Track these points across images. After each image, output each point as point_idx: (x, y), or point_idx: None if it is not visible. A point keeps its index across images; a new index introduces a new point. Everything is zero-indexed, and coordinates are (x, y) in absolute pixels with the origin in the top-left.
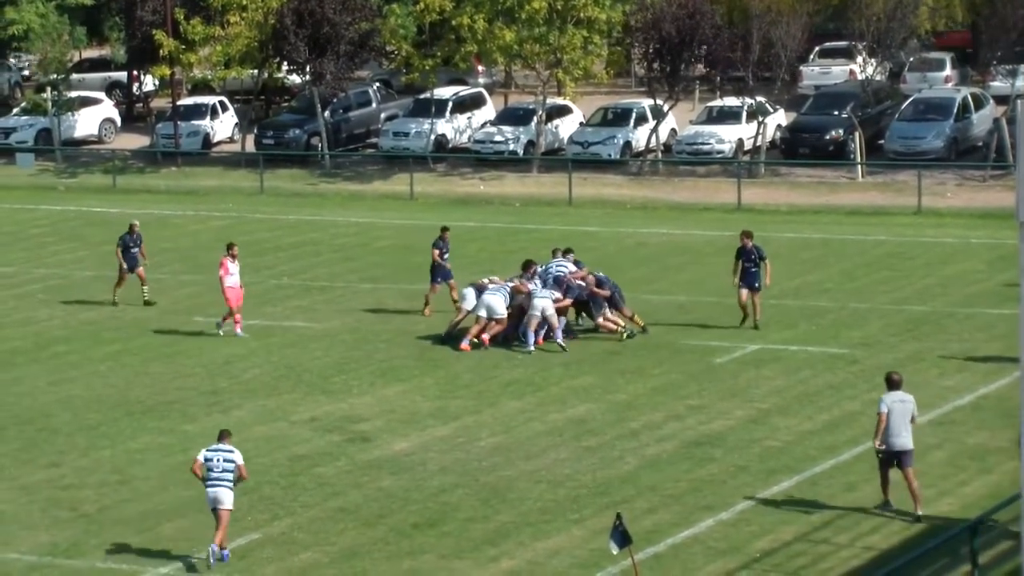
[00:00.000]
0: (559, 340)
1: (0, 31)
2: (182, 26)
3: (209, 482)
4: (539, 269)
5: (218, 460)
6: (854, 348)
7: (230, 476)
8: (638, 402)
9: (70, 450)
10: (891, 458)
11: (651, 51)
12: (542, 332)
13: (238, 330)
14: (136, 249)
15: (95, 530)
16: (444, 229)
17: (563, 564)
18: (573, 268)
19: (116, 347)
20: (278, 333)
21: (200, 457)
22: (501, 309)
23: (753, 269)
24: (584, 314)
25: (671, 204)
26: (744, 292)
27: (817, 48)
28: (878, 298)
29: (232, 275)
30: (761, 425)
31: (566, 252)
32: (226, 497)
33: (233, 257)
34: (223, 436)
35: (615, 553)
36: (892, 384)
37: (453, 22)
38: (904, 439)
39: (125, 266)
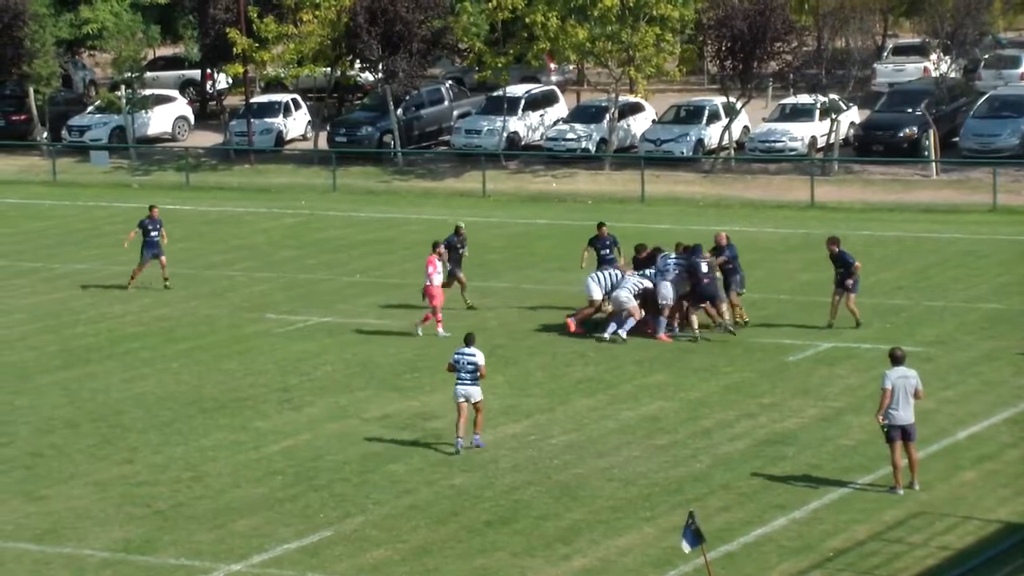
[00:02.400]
0: (621, 332)
1: (75, 30)
2: (255, 24)
3: (459, 381)
4: (659, 262)
5: (463, 362)
6: (928, 346)
7: (473, 375)
8: (710, 400)
9: (143, 447)
10: (896, 433)
11: (723, 48)
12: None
13: (440, 330)
14: (156, 233)
15: (168, 527)
16: (458, 227)
17: (635, 562)
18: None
19: (189, 344)
20: (351, 330)
21: (452, 360)
22: (670, 294)
23: (845, 274)
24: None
25: (744, 201)
26: (838, 293)
27: (891, 45)
28: (953, 296)
29: (439, 274)
30: (834, 424)
31: (691, 249)
32: (475, 392)
33: (440, 256)
34: (469, 340)
35: (687, 551)
36: (895, 360)
37: (526, 20)
38: (907, 413)
39: (127, 245)
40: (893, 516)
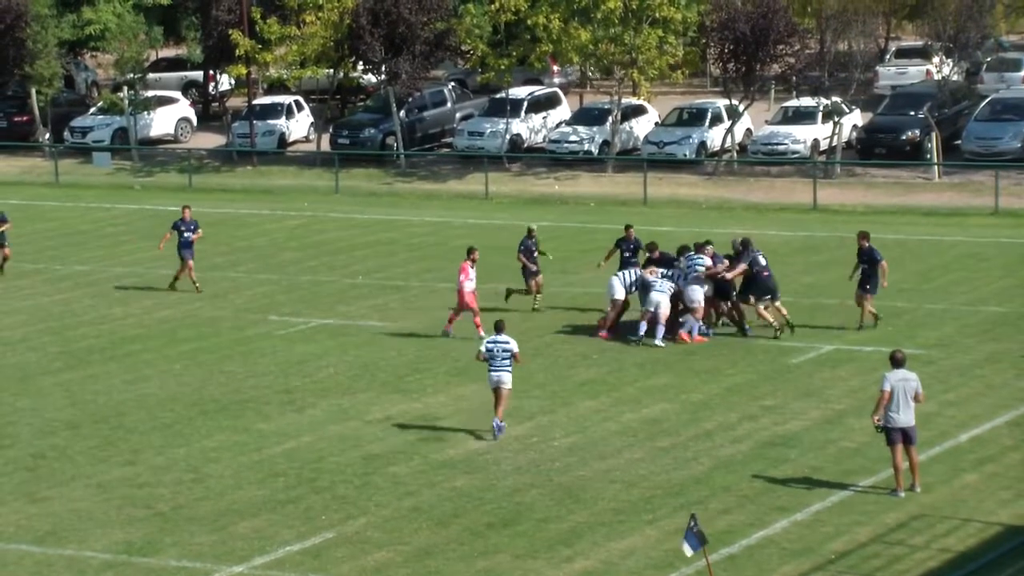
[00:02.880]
0: (659, 341)
1: (77, 31)
2: (258, 25)
3: (492, 368)
4: (683, 263)
5: (498, 349)
6: (930, 349)
7: (508, 362)
8: (712, 402)
9: (145, 448)
10: (897, 436)
11: (726, 51)
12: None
13: (449, 329)
14: (190, 234)
15: (170, 528)
16: (530, 229)
17: (637, 564)
18: (709, 263)
19: (191, 346)
20: (353, 332)
21: (483, 348)
22: (699, 297)
23: (870, 271)
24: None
25: (746, 204)
26: (860, 294)
27: (894, 48)
28: (955, 299)
29: (471, 280)
30: (836, 426)
31: (703, 246)
32: (507, 378)
33: (473, 262)
34: (500, 328)
35: (689, 554)
36: (896, 363)
37: (528, 22)
38: (907, 416)
39: (163, 248)
40: (894, 518)
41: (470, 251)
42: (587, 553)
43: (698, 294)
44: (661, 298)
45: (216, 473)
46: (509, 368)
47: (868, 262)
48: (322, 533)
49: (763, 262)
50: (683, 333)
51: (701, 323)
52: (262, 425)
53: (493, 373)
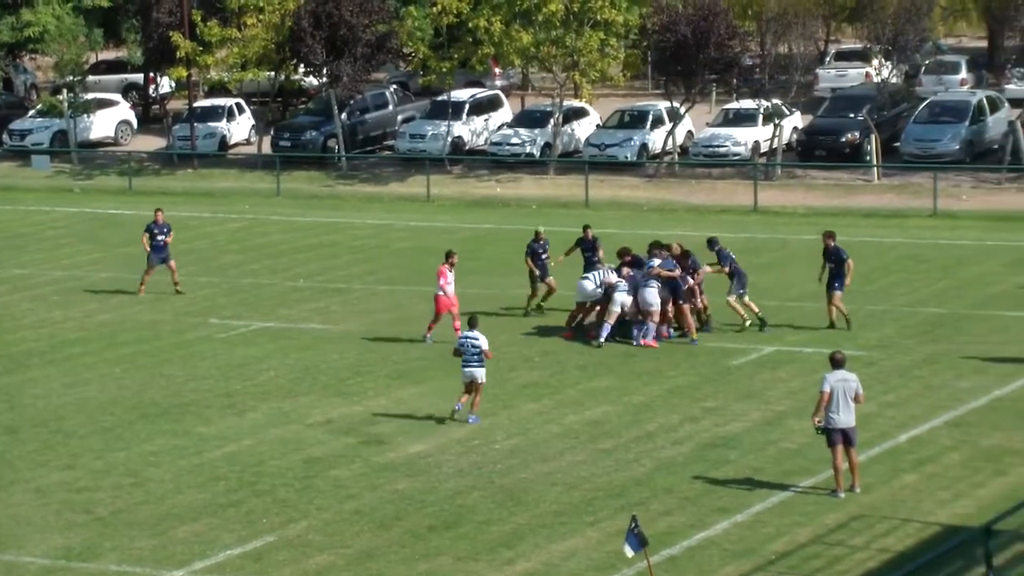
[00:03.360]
0: (650, 340)
1: (16, 33)
2: (199, 28)
3: (464, 363)
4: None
5: (468, 345)
6: (870, 350)
7: (478, 358)
8: (654, 404)
9: (84, 452)
10: (837, 437)
11: (667, 53)
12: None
13: (428, 336)
14: (163, 237)
15: (109, 533)
16: (538, 233)
17: (579, 566)
18: (656, 263)
19: (131, 349)
20: (294, 335)
21: (457, 344)
22: (654, 300)
23: (836, 270)
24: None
25: (688, 206)
26: (829, 294)
27: (833, 51)
28: (894, 300)
29: (451, 283)
30: (776, 427)
31: (660, 248)
32: (479, 373)
33: (452, 266)
34: (472, 324)
35: (630, 556)
36: (835, 364)
37: (470, 24)
38: (847, 417)
39: (148, 249)
40: (834, 519)
41: (448, 255)
42: (528, 555)
43: (653, 297)
44: (625, 299)
45: (156, 477)
46: (480, 363)
47: (835, 261)
48: (263, 537)
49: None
50: (646, 340)
51: (661, 327)
52: (202, 429)
53: (466, 368)
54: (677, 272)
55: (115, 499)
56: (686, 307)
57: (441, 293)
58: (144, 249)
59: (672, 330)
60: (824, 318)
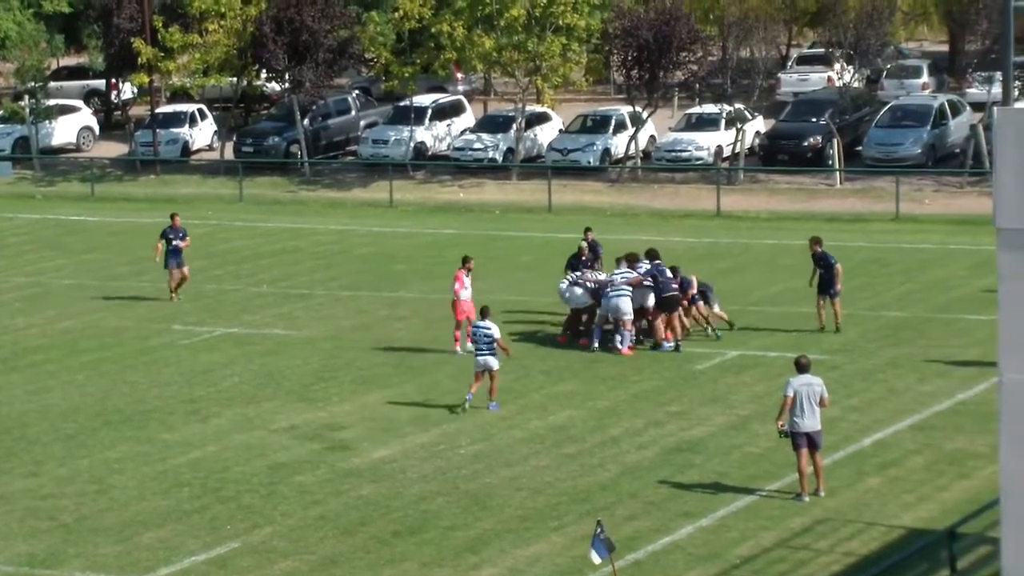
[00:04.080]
0: (623, 347)
1: None
2: (160, 34)
3: (477, 352)
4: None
5: (480, 334)
6: (834, 354)
7: (490, 346)
8: (619, 409)
9: (48, 459)
10: (802, 440)
11: (629, 58)
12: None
13: (458, 348)
14: (179, 241)
15: (73, 539)
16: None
17: (544, 571)
18: (630, 273)
19: (94, 356)
20: (258, 341)
21: (471, 333)
22: (628, 309)
23: (826, 276)
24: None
25: (651, 211)
26: (821, 299)
27: (795, 55)
28: (857, 304)
29: (466, 289)
30: (741, 431)
31: (629, 258)
32: (492, 362)
33: (468, 271)
34: (484, 314)
35: (596, 561)
36: (800, 368)
37: (432, 29)
38: (811, 421)
39: (158, 259)
40: (799, 523)
41: (465, 260)
42: (494, 560)
43: (627, 305)
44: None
45: (120, 484)
46: (492, 352)
47: (824, 267)
48: (227, 543)
49: (669, 274)
50: (622, 349)
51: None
52: (166, 435)
53: (479, 357)
54: (637, 278)
55: (79, 506)
56: (674, 317)
57: (456, 298)
58: (154, 255)
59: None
60: (795, 323)
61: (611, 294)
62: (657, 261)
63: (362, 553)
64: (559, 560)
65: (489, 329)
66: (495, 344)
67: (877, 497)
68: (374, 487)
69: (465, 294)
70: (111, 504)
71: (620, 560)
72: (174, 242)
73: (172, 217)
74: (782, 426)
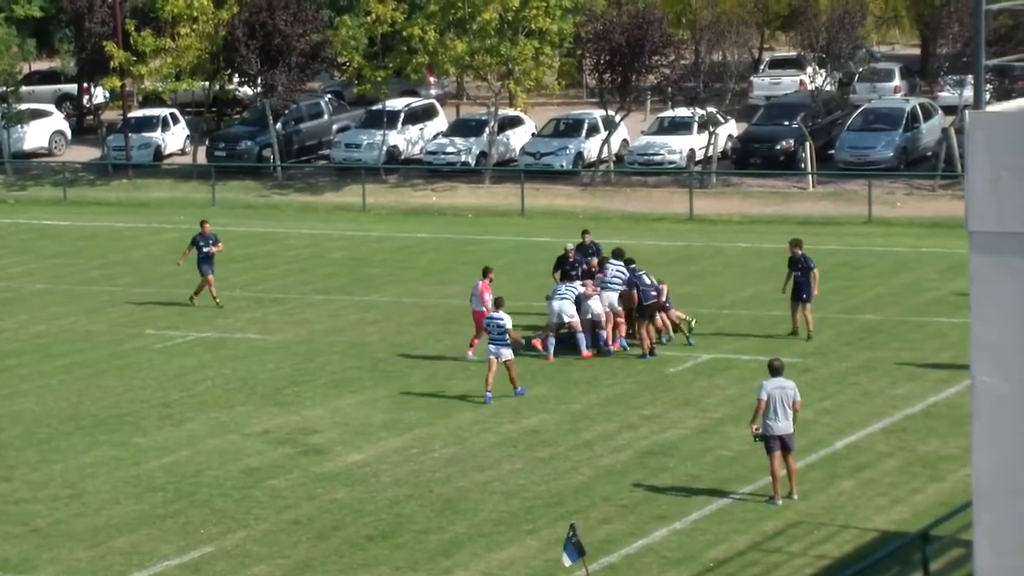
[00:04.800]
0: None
1: None
2: (132, 38)
3: (491, 342)
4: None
5: (493, 325)
6: (806, 357)
7: (502, 337)
8: (592, 412)
9: (21, 464)
10: (775, 444)
11: (602, 62)
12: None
13: (470, 353)
14: (209, 248)
15: (47, 544)
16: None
17: (517, 575)
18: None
19: (67, 360)
20: (230, 345)
21: (484, 324)
22: (571, 311)
23: (802, 279)
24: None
25: (623, 214)
26: (795, 304)
27: (767, 58)
28: (830, 307)
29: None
30: (714, 435)
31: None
32: (505, 352)
33: (490, 281)
34: (498, 305)
35: (569, 564)
36: (773, 371)
37: (404, 33)
38: (784, 424)
39: (182, 264)
40: (772, 526)
41: (487, 271)
42: (467, 564)
43: (570, 308)
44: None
45: (93, 488)
46: (504, 342)
47: (802, 270)
48: (201, 547)
49: (648, 282)
50: (582, 351)
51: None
52: (140, 440)
53: (491, 346)
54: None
55: (52, 511)
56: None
57: (484, 310)
58: (178, 262)
59: (625, 341)
60: (767, 327)
61: (554, 298)
62: (633, 265)
63: (335, 557)
64: (533, 564)
65: (502, 320)
66: (507, 335)
67: (850, 500)
68: (347, 491)
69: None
70: (84, 509)
71: (593, 564)
72: (205, 249)
73: (202, 224)
74: (756, 430)
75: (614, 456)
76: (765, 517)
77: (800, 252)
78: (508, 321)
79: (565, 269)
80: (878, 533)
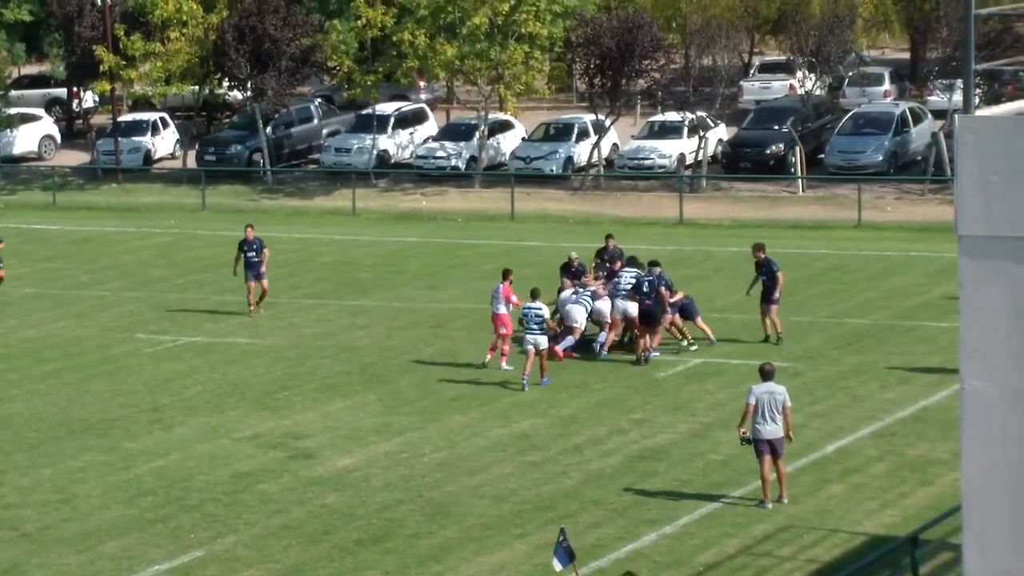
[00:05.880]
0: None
1: None
2: (122, 42)
3: (527, 331)
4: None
5: (532, 315)
6: (796, 361)
7: (540, 327)
8: (582, 416)
9: (10, 469)
10: (764, 448)
11: (592, 66)
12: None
13: (504, 364)
14: (254, 254)
15: (36, 550)
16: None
17: None
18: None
19: (57, 365)
20: (220, 349)
21: (520, 314)
22: (580, 318)
23: (769, 283)
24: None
25: (613, 219)
26: (762, 307)
27: (757, 63)
28: (820, 311)
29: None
30: (704, 439)
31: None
32: (542, 341)
33: (511, 283)
34: (535, 295)
35: (559, 569)
36: (764, 375)
37: (394, 38)
38: (773, 428)
39: (237, 271)
40: (762, 530)
41: (507, 273)
42: (457, 569)
43: (580, 315)
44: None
45: (83, 493)
46: (542, 332)
47: (766, 274)
48: (191, 552)
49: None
50: (557, 349)
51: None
52: (130, 444)
53: (528, 335)
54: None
55: (42, 515)
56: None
57: (504, 312)
58: (233, 268)
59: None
60: (758, 332)
61: (570, 301)
62: (659, 270)
63: (326, 562)
64: (522, 568)
65: (540, 310)
66: (545, 324)
67: (840, 504)
68: (338, 495)
69: (504, 308)
70: (74, 514)
71: (584, 568)
72: (249, 255)
73: (246, 229)
74: (744, 433)
75: (604, 460)
76: (755, 521)
77: (763, 256)
78: (546, 311)
79: (572, 272)
80: (868, 537)
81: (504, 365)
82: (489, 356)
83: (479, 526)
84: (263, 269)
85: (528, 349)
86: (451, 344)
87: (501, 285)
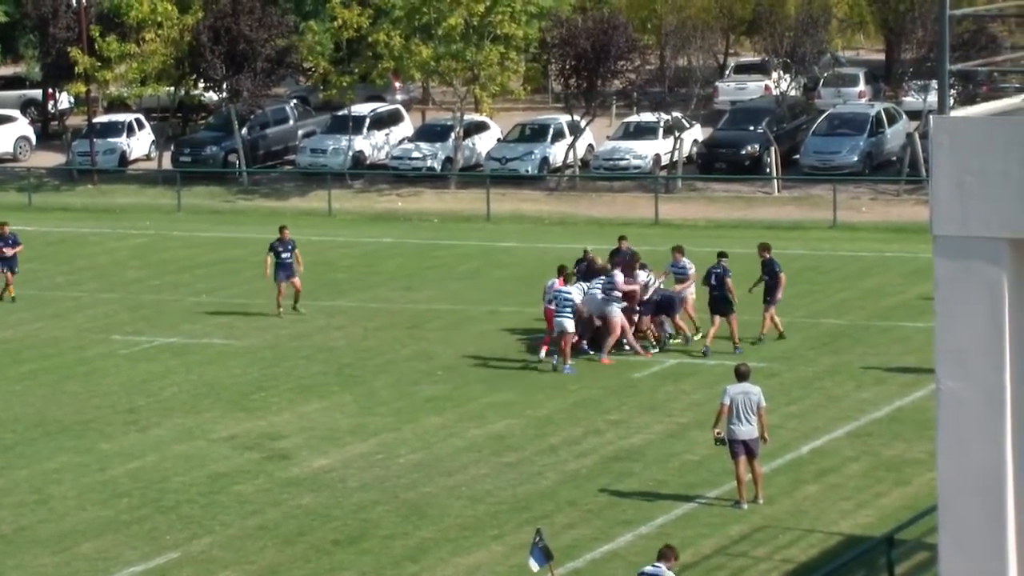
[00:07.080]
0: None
1: None
2: (97, 43)
3: (557, 314)
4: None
5: (561, 298)
6: (772, 362)
7: (569, 310)
8: (557, 417)
9: None
10: (739, 448)
11: (567, 67)
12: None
13: (542, 353)
14: (288, 255)
15: (12, 551)
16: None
17: None
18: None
19: (32, 366)
20: (196, 351)
21: (549, 296)
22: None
23: (771, 283)
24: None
25: (589, 219)
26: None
27: (733, 63)
28: (796, 312)
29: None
30: (679, 439)
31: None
32: (569, 325)
33: (565, 280)
34: (568, 279)
35: (535, 569)
36: (739, 376)
37: (370, 39)
38: (748, 429)
39: (268, 273)
40: (738, 530)
41: (561, 269)
42: (433, 569)
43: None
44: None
45: (59, 494)
46: (570, 315)
47: (769, 274)
48: (167, 553)
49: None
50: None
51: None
52: (105, 445)
53: (558, 318)
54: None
55: (18, 517)
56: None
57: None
58: (264, 270)
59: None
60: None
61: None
62: (726, 261)
63: (302, 563)
64: (499, 569)
65: (570, 293)
66: (574, 308)
67: (815, 504)
68: (314, 496)
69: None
70: (50, 515)
71: (560, 568)
72: (283, 255)
73: (281, 230)
74: (719, 434)
75: (580, 461)
76: (731, 521)
77: (768, 256)
78: (577, 295)
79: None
80: (843, 537)
81: (542, 354)
82: (543, 351)
83: (455, 527)
84: (299, 268)
85: (565, 336)
86: (427, 345)
87: (556, 280)
